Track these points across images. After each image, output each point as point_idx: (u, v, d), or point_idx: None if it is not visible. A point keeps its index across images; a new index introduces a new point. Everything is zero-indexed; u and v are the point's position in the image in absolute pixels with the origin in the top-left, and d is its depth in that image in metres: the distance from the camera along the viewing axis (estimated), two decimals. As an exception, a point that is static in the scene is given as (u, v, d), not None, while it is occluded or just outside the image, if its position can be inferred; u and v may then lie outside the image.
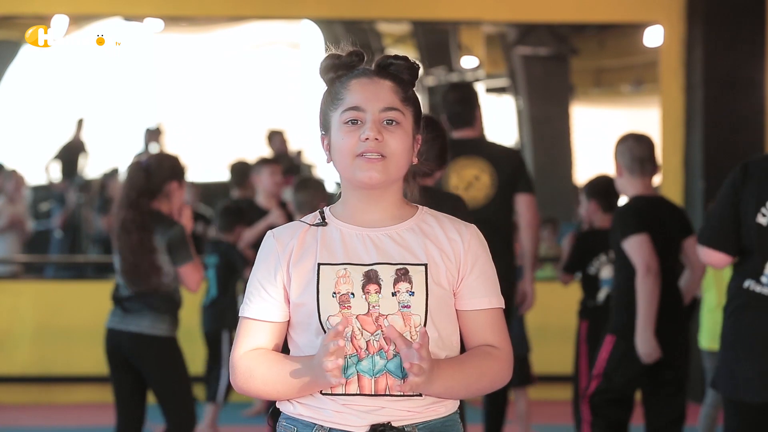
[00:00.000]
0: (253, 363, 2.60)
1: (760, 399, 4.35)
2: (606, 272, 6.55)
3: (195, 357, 8.09)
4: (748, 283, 4.36)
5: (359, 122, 2.59)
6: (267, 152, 10.93)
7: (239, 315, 2.66)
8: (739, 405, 4.39)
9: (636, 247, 5.46)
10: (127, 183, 5.71)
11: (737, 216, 4.38)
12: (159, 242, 5.60)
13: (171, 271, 5.64)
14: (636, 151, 5.55)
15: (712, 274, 6.98)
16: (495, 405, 6.88)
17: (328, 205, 2.70)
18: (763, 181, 4.35)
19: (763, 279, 4.34)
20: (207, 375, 7.81)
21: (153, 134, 12.41)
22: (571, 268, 6.79)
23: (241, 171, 8.58)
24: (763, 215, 4.33)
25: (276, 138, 11.55)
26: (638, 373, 5.47)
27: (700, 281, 5.78)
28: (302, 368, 2.55)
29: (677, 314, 5.54)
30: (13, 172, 11.48)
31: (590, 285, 6.67)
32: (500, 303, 2.66)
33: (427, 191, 4.31)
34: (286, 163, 10.66)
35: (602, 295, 6.58)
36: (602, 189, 6.75)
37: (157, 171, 5.65)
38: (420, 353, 2.46)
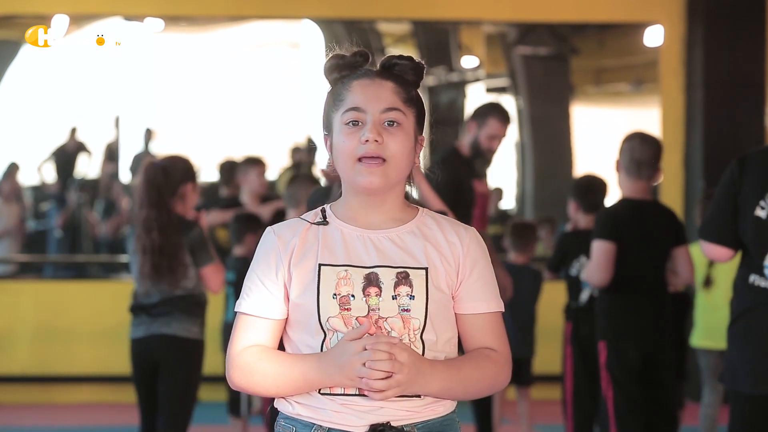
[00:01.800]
0: (252, 359, 2.59)
1: (760, 391, 4.36)
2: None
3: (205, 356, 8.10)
4: (753, 278, 4.36)
5: (360, 123, 2.59)
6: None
7: (235, 310, 2.64)
8: (740, 396, 4.41)
9: (595, 252, 5.51)
10: (145, 183, 5.61)
11: (736, 209, 4.38)
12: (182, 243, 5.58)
13: (194, 273, 5.61)
14: (636, 152, 5.52)
15: (703, 274, 6.98)
16: (480, 403, 6.92)
17: (329, 203, 2.69)
18: (761, 174, 4.35)
19: (766, 272, 4.34)
20: (231, 392, 7.65)
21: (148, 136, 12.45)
22: (554, 267, 6.82)
23: (229, 170, 8.64)
24: (762, 208, 4.34)
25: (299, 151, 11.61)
26: (635, 369, 5.48)
27: (684, 286, 5.77)
28: (309, 365, 2.54)
29: (664, 319, 5.54)
30: (10, 173, 11.48)
31: (573, 286, 6.66)
32: (499, 307, 2.66)
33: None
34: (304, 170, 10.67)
35: (584, 296, 6.57)
36: (581, 189, 6.74)
37: (173, 173, 5.62)
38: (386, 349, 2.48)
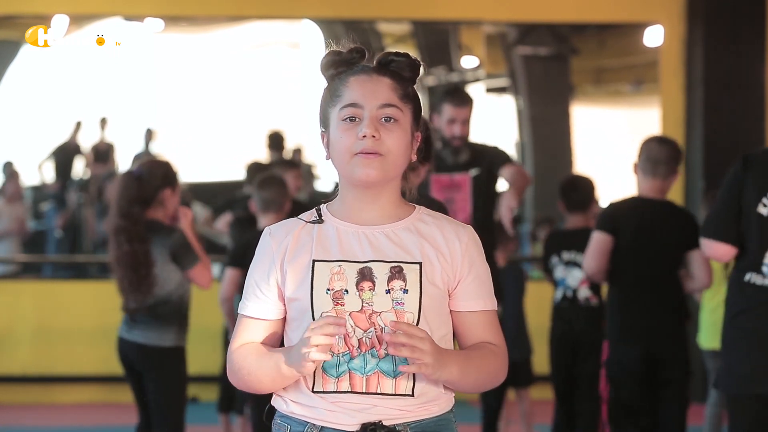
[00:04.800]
0: (242, 356, 2.62)
1: (760, 391, 4.36)
2: (559, 273, 6.58)
3: (203, 356, 8.11)
4: (749, 276, 4.38)
5: (357, 119, 2.59)
6: (267, 153, 10.90)
7: (237, 312, 2.68)
8: (741, 401, 4.41)
9: (591, 242, 5.62)
10: (118, 192, 5.66)
11: (740, 207, 4.40)
12: (160, 252, 5.58)
13: (176, 279, 5.62)
14: (653, 152, 5.58)
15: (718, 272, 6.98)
16: (494, 400, 6.92)
17: (326, 203, 2.69)
18: (764, 172, 4.38)
19: (765, 269, 4.35)
20: (222, 390, 7.66)
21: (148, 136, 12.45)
22: (543, 267, 6.85)
23: (255, 170, 8.66)
24: (764, 206, 4.36)
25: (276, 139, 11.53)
26: (636, 369, 5.48)
27: (701, 291, 5.77)
28: (281, 356, 2.56)
29: (669, 319, 5.55)
30: (14, 172, 11.49)
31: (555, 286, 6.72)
32: (494, 305, 2.67)
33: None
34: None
35: (558, 295, 6.61)
36: (565, 188, 6.76)
37: (150, 179, 5.61)
38: (404, 331, 2.48)
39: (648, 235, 5.53)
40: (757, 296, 4.35)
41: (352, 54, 2.64)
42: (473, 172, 6.60)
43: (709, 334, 7.05)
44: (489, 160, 6.63)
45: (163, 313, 5.60)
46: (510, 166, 6.62)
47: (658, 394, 5.54)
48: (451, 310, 2.64)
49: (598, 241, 5.58)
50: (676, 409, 5.54)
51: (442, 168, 6.53)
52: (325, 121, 2.66)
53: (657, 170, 5.56)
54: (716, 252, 4.54)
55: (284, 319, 2.65)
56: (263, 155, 10.08)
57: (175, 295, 5.62)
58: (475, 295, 2.64)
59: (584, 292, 6.48)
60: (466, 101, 6.56)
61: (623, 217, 5.58)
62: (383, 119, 2.59)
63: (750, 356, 4.38)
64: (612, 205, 5.77)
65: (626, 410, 5.51)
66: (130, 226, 5.55)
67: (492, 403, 6.96)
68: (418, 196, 4.55)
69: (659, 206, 5.62)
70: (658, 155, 5.56)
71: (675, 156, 5.61)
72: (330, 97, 2.64)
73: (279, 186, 6.35)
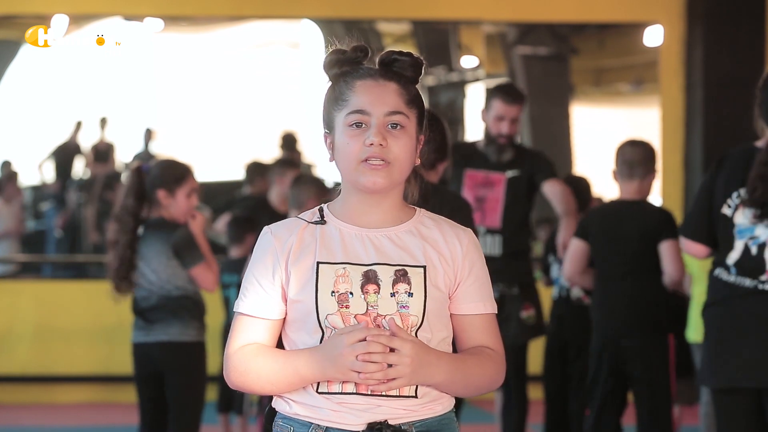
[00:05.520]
0: (247, 357, 2.59)
1: (727, 383, 4.43)
2: (554, 272, 6.70)
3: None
4: (718, 271, 4.50)
5: (364, 125, 2.58)
6: (279, 153, 10.93)
7: (234, 310, 2.65)
8: (714, 393, 4.54)
9: (569, 248, 5.82)
10: (124, 187, 5.75)
11: (711, 207, 4.52)
12: (163, 247, 5.58)
13: (185, 274, 5.61)
14: (627, 155, 5.68)
15: (699, 266, 6.99)
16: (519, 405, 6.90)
17: (325, 202, 2.69)
18: (731, 173, 4.51)
19: (730, 268, 4.44)
20: (221, 390, 7.67)
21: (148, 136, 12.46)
22: (543, 269, 6.90)
23: (255, 170, 8.69)
24: (728, 206, 4.48)
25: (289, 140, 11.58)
26: (600, 366, 5.59)
27: (674, 284, 5.78)
28: (301, 360, 2.54)
29: (642, 319, 5.58)
30: (12, 172, 11.49)
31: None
32: (494, 308, 2.67)
33: (434, 189, 4.32)
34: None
35: (554, 293, 6.68)
36: None
37: (148, 179, 5.64)
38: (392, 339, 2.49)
39: (614, 234, 5.65)
40: (722, 291, 4.49)
41: (356, 53, 2.63)
42: (510, 173, 6.45)
43: (696, 328, 7.07)
44: (532, 164, 6.49)
45: (181, 308, 5.59)
46: (555, 183, 6.50)
47: (635, 392, 5.63)
48: (450, 313, 2.63)
49: (572, 246, 5.78)
50: (646, 407, 5.59)
51: (483, 165, 6.40)
52: (329, 124, 2.64)
53: (634, 172, 5.66)
54: (691, 250, 4.76)
55: (283, 320, 2.63)
56: (275, 155, 10.08)
57: (190, 290, 5.62)
58: (475, 298, 2.63)
59: (576, 292, 6.53)
60: (517, 99, 6.39)
61: (593, 221, 5.73)
62: (390, 126, 2.59)
63: (716, 349, 4.47)
64: (592, 211, 5.97)
65: (593, 403, 5.66)
66: (124, 216, 5.61)
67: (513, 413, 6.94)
68: (442, 191, 4.58)
69: (630, 206, 5.70)
70: (632, 157, 5.66)
71: (649, 156, 5.71)
72: (335, 100, 2.62)
73: (306, 185, 6.48)
